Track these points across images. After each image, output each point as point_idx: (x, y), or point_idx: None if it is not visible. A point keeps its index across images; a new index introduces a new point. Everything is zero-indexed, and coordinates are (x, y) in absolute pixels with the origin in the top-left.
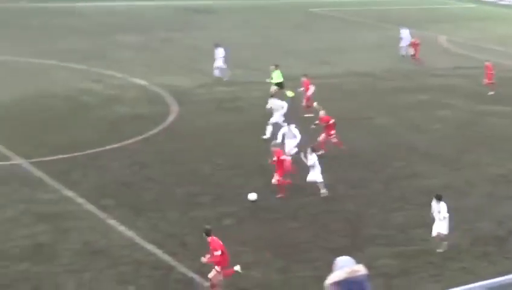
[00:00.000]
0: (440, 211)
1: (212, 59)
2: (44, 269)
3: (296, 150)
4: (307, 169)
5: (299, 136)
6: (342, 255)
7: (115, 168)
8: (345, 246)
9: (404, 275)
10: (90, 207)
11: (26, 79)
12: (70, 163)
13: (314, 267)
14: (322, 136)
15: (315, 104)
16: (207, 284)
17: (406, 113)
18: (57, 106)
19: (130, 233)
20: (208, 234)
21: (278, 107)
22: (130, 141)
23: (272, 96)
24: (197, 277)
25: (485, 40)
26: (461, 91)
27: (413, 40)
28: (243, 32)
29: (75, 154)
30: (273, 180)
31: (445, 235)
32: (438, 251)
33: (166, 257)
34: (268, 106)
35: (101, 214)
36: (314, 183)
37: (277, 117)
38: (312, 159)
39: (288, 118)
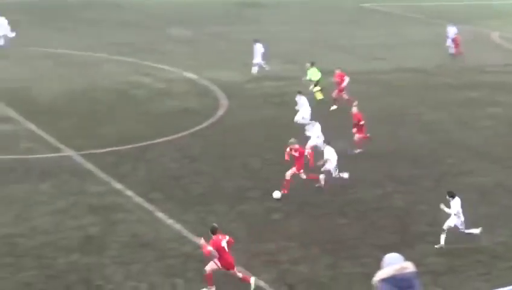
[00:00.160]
0: (452, 207)
1: (263, 54)
2: (93, 260)
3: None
4: (353, 166)
5: (321, 136)
6: (390, 252)
7: (164, 162)
8: (394, 243)
9: (452, 273)
10: (138, 200)
11: (77, 72)
12: (119, 156)
13: (362, 263)
14: (356, 135)
15: (355, 104)
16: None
17: (456, 109)
18: (107, 99)
19: (178, 226)
20: (214, 232)
21: (302, 104)
22: (179, 135)
23: (300, 92)
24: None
25: None
26: None
27: (454, 36)
28: (292, 26)
29: (125, 147)
30: (303, 176)
31: (459, 229)
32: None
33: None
34: (300, 103)
35: (150, 207)
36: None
37: (303, 113)
38: (327, 151)
39: (313, 116)
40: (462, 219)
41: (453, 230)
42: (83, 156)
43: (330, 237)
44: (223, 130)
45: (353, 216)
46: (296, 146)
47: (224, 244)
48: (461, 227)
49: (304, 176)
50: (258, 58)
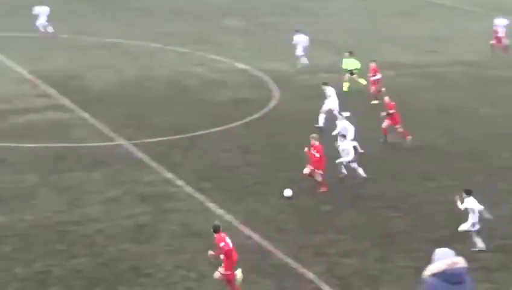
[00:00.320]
0: (464, 204)
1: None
2: (143, 249)
3: (354, 143)
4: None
5: (352, 128)
6: (441, 246)
7: (215, 152)
8: (445, 238)
9: (505, 270)
10: (189, 190)
11: (130, 61)
12: (171, 145)
13: (413, 257)
14: (398, 127)
15: (383, 92)
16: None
17: (511, 103)
18: (159, 88)
19: (228, 217)
20: (216, 230)
21: (330, 94)
22: (231, 125)
23: (326, 83)
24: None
25: None
26: None
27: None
28: (347, 18)
29: (177, 136)
30: (305, 171)
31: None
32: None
33: (263, 242)
34: (328, 95)
35: (200, 197)
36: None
37: (330, 104)
38: (344, 145)
39: (342, 107)
40: (476, 219)
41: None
42: (135, 145)
43: (381, 230)
44: (275, 121)
45: (405, 209)
46: (316, 143)
47: (228, 240)
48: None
49: (319, 177)
50: (299, 49)
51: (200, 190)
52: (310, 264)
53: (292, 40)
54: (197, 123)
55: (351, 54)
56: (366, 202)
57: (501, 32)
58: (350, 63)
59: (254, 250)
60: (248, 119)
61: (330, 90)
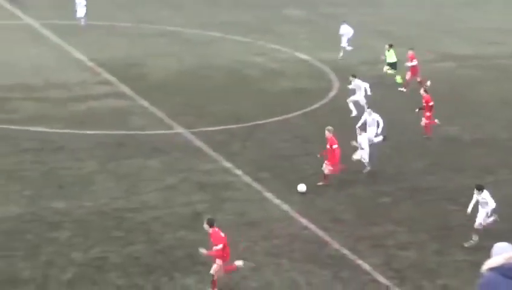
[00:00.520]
0: (482, 200)
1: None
2: (200, 237)
3: (381, 137)
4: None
5: (381, 122)
6: (500, 241)
7: (274, 141)
8: (504, 232)
9: None
10: (247, 179)
11: (190, 50)
12: (230, 134)
13: (470, 251)
14: (424, 121)
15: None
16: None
17: None
18: (219, 77)
19: (285, 207)
20: (211, 224)
21: (358, 87)
22: (290, 115)
23: (354, 76)
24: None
25: None
26: None
27: None
28: (410, 9)
29: (235, 126)
30: (324, 169)
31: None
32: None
33: (319, 232)
34: (350, 86)
35: (258, 187)
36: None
37: (357, 97)
38: (361, 138)
39: (370, 101)
40: (487, 211)
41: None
42: (194, 133)
43: (439, 223)
44: (334, 112)
45: (463, 203)
46: (330, 135)
47: (223, 234)
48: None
49: (327, 170)
50: (344, 40)
51: (258, 180)
52: (367, 256)
53: (355, 31)
54: (256, 112)
55: (391, 46)
56: (424, 195)
57: None
58: (391, 56)
59: (310, 240)
60: (307, 109)
61: (358, 83)
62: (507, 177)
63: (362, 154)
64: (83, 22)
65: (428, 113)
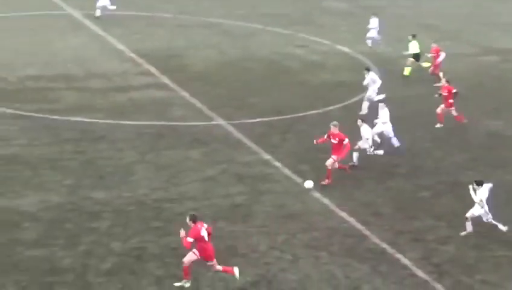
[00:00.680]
0: (477, 195)
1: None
2: (239, 229)
3: (381, 151)
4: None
5: (388, 122)
6: None
7: (314, 134)
8: None
9: None
10: (286, 171)
11: (230, 42)
12: (269, 126)
13: (510, 246)
14: (441, 107)
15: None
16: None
17: None
18: (259, 69)
19: (325, 200)
20: (194, 220)
21: (371, 81)
22: (331, 108)
23: (369, 69)
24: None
25: None
26: None
27: None
28: (452, 2)
29: (276, 118)
30: (327, 163)
31: (483, 219)
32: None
33: (359, 226)
34: (365, 82)
35: (297, 179)
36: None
37: (370, 92)
38: (364, 130)
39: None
40: (486, 208)
41: (478, 220)
42: (234, 125)
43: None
44: (374, 104)
45: (504, 199)
46: (336, 131)
47: (204, 233)
48: (485, 217)
49: (336, 165)
50: (372, 32)
51: (297, 172)
52: (406, 250)
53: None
54: (296, 105)
55: (414, 37)
56: (464, 189)
57: None
58: (413, 47)
59: (349, 234)
60: (347, 102)
61: (373, 77)
62: None
63: (366, 146)
64: (99, 13)
65: (451, 100)
